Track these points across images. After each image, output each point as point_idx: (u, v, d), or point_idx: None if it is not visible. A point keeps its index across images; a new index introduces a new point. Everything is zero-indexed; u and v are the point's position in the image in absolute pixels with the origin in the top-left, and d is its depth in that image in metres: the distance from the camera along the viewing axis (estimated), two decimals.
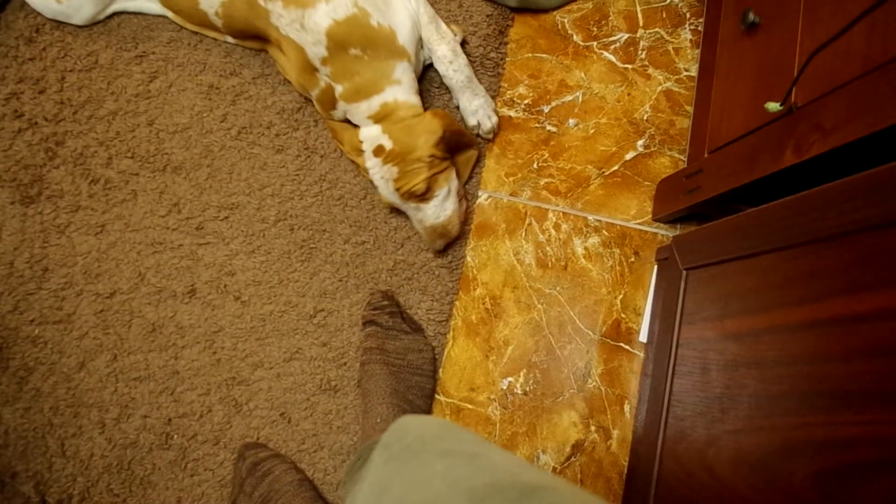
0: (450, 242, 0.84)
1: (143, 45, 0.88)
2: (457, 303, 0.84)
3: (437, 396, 0.83)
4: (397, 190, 0.78)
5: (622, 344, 0.84)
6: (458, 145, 0.82)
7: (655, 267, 0.85)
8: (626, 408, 0.83)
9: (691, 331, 0.77)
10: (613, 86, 0.89)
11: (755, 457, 0.59)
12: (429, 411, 0.82)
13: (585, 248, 0.85)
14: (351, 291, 0.84)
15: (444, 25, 0.83)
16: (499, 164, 0.87)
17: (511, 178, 0.87)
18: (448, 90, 0.87)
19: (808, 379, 0.54)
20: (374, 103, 0.77)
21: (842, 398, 0.50)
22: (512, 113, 0.88)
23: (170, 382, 0.81)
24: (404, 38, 0.77)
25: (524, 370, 0.83)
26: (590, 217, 0.86)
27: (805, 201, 0.60)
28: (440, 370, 0.83)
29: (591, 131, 0.88)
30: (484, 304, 0.84)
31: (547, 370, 0.83)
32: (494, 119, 0.86)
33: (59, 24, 0.88)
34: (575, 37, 0.91)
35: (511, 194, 0.86)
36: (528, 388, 0.83)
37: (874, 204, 0.51)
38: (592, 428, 0.82)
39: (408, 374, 0.79)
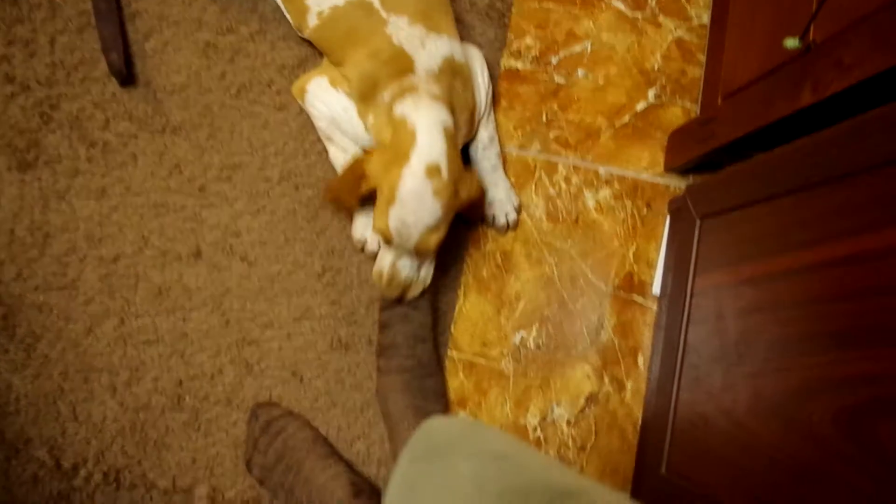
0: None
1: (135, 3, 0.85)
2: (467, 259, 0.84)
3: (449, 352, 0.82)
4: (424, 240, 0.67)
5: (635, 296, 0.83)
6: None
7: (668, 218, 0.84)
8: (640, 360, 0.83)
9: (706, 279, 0.76)
10: (623, 35, 0.87)
11: (773, 399, 0.59)
12: (447, 409, 0.81)
13: (597, 201, 0.84)
14: (359, 249, 0.83)
15: (493, 114, 0.82)
16: (507, 118, 0.85)
17: (519, 132, 0.85)
18: None
19: (827, 318, 0.54)
20: (447, 120, 0.69)
21: (861, 335, 0.50)
22: (519, 65, 0.86)
23: (179, 345, 0.81)
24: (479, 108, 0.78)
25: (536, 324, 0.83)
26: (601, 169, 0.84)
27: (820, 141, 0.59)
28: (452, 325, 0.83)
29: (601, 82, 0.86)
30: (494, 259, 0.83)
31: (559, 324, 0.83)
32: (513, 217, 0.82)
33: None
34: None
35: (520, 147, 0.85)
36: (540, 342, 0.82)
37: (891, 139, 0.50)
38: (606, 380, 0.82)
39: (420, 377, 0.78)
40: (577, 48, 0.86)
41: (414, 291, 0.74)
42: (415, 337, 0.77)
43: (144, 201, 0.82)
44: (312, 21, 0.73)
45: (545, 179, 0.84)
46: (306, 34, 0.78)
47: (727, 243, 0.73)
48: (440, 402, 0.80)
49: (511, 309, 0.83)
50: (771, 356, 0.60)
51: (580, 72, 0.86)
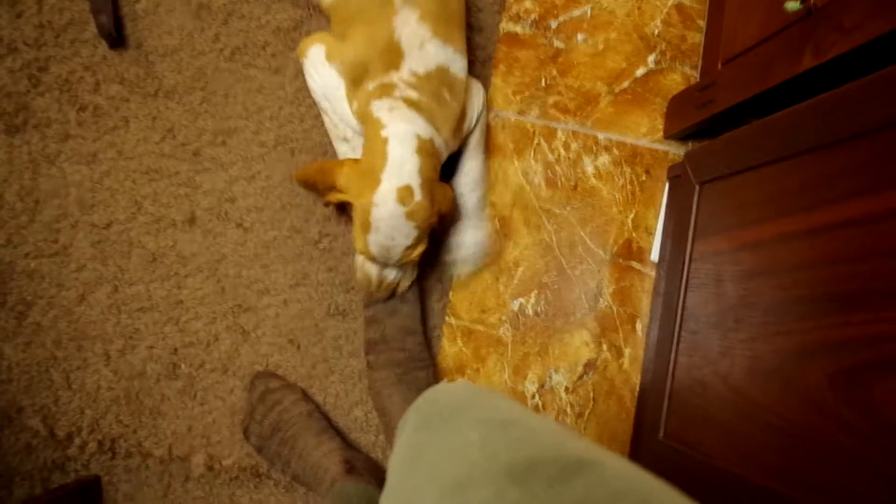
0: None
1: None
2: None
3: (448, 319, 0.82)
4: (406, 256, 0.66)
5: (633, 263, 0.83)
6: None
7: (667, 185, 0.84)
8: (638, 326, 0.83)
9: (704, 245, 0.76)
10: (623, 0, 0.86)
11: (770, 363, 0.59)
12: None
13: (595, 168, 0.83)
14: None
15: (482, 154, 0.79)
16: (505, 83, 0.84)
17: (518, 97, 0.84)
18: None
19: (825, 282, 0.54)
20: (423, 130, 0.65)
21: (860, 298, 0.50)
22: (518, 29, 0.85)
23: (174, 312, 0.80)
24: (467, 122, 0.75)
25: (535, 291, 0.82)
26: (600, 135, 0.84)
27: (821, 104, 0.59)
28: (450, 292, 0.82)
29: (601, 47, 0.85)
30: (493, 225, 0.83)
31: (558, 290, 0.82)
32: (482, 263, 0.81)
33: None
34: None
35: (519, 113, 0.84)
36: (539, 309, 0.82)
37: (892, 102, 0.50)
38: (604, 347, 0.82)
39: (412, 370, 0.77)
40: (576, 12, 0.85)
41: (402, 287, 0.73)
42: (404, 329, 0.76)
43: (137, 166, 0.80)
44: None
45: (544, 145, 0.84)
46: (324, 5, 0.75)
47: (726, 209, 0.73)
48: None
49: (510, 276, 0.82)
50: (769, 320, 0.60)
51: (580, 36, 0.85)
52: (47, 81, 0.81)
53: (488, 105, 0.84)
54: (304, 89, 0.82)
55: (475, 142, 0.77)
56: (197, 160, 0.81)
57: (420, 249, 0.67)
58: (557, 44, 0.85)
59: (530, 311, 0.82)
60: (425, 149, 0.64)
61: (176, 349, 0.80)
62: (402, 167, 0.62)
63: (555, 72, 0.84)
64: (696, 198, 0.78)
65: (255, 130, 0.82)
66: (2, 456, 0.77)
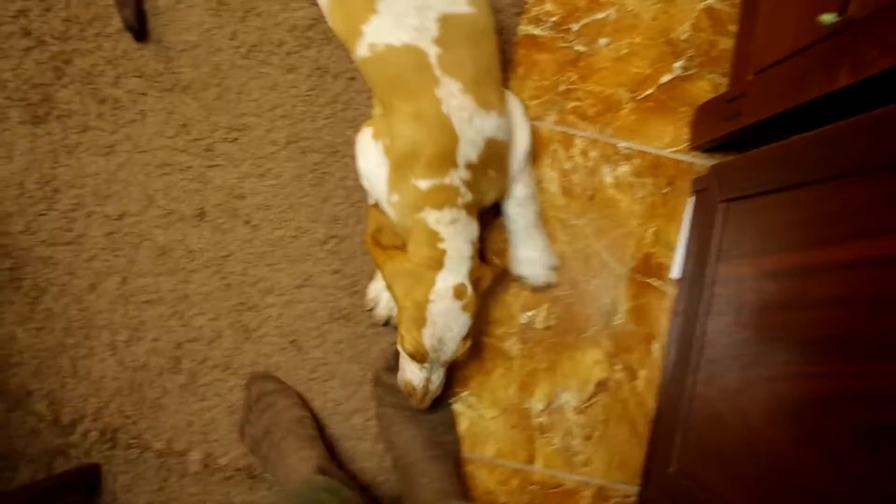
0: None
1: None
2: None
3: None
4: (458, 350, 0.67)
5: (652, 280, 0.79)
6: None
7: (691, 199, 0.79)
8: (655, 347, 0.78)
9: (727, 268, 0.71)
10: (650, 2, 0.82)
11: (792, 406, 0.54)
12: (457, 439, 0.78)
13: (615, 178, 0.80)
14: (364, 217, 0.80)
15: (531, 171, 0.77)
16: (523, 86, 0.81)
17: (536, 101, 0.81)
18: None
19: (858, 323, 0.48)
20: (475, 232, 0.67)
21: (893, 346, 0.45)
22: (538, 31, 0.82)
23: (179, 306, 0.80)
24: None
25: (546, 304, 0.79)
26: (620, 144, 0.80)
27: (861, 126, 0.53)
28: None
29: (624, 52, 0.81)
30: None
31: (570, 305, 0.79)
32: (551, 278, 0.78)
33: None
34: None
35: (535, 118, 0.81)
36: (549, 324, 0.79)
37: None
38: (617, 367, 0.78)
39: (423, 412, 0.75)
40: (599, 15, 0.82)
41: (438, 393, 0.72)
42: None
43: (151, 160, 0.81)
44: (363, 51, 0.65)
45: (561, 153, 0.80)
46: (354, 59, 0.70)
47: (752, 231, 0.68)
48: (450, 432, 0.78)
49: (519, 286, 0.79)
50: (792, 359, 0.55)
51: (602, 40, 0.81)
52: (71, 74, 0.82)
53: None
54: (316, 88, 0.81)
55: (521, 168, 0.73)
56: (209, 156, 0.81)
57: (469, 342, 0.68)
58: (578, 47, 0.82)
59: (540, 325, 0.79)
60: (476, 248, 0.67)
61: (179, 343, 0.80)
62: (458, 269, 0.65)
63: (575, 76, 0.81)
64: (720, 215, 0.73)
65: (268, 128, 0.81)
66: (9, 438, 0.79)
